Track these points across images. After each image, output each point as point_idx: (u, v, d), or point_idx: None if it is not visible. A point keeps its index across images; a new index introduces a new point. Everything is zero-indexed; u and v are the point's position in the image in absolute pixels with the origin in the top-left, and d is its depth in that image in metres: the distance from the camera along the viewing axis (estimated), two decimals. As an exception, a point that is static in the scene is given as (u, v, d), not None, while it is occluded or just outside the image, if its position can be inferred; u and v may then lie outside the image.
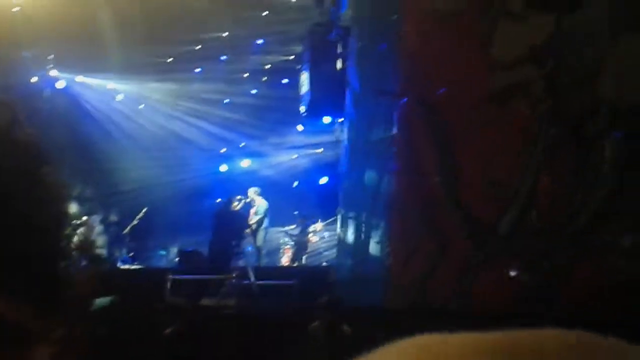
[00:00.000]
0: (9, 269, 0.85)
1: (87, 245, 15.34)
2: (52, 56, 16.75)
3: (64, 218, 0.98)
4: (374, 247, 9.55)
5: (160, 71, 17.86)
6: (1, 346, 0.75)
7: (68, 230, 1.01)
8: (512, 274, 7.09)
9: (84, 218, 16.11)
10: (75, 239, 15.83)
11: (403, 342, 0.50)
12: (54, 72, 17.19)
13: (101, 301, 9.52)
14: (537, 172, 7.01)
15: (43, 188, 0.94)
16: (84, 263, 15.58)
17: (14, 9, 14.83)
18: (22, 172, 0.92)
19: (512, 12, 7.53)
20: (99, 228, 16.18)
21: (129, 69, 17.56)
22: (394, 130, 8.57)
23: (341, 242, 11.04)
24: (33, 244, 0.89)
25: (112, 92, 18.73)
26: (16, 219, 0.88)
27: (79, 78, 17.85)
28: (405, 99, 8.39)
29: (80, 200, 19.16)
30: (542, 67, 7.11)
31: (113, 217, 18.69)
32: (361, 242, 10.01)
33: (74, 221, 17.55)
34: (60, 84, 17.38)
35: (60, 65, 17.09)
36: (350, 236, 10.53)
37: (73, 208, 18.80)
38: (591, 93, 6.95)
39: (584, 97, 6.99)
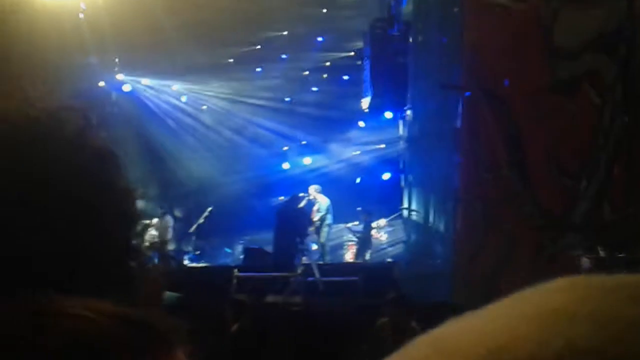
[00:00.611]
0: (85, 271, 0.86)
1: (160, 244, 15.73)
2: (117, 60, 17.18)
3: (135, 219, 0.99)
4: (439, 242, 9.45)
5: (222, 71, 18.10)
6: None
7: (140, 230, 1.02)
8: (585, 267, 6.88)
9: (155, 219, 16.51)
10: (148, 237, 16.23)
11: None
12: (120, 76, 17.64)
13: (169, 298, 9.72)
14: (609, 162, 6.78)
15: (115, 191, 0.95)
16: (155, 261, 15.97)
17: (80, 15, 15.25)
18: (95, 176, 0.93)
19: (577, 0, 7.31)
20: (171, 226, 16.54)
21: (192, 70, 17.86)
22: (458, 124, 8.44)
23: (406, 238, 10.96)
24: (106, 245, 0.90)
25: (176, 94, 19.09)
26: (89, 221, 0.90)
27: (145, 81, 18.27)
28: (469, 92, 8.25)
29: (149, 199, 19.65)
30: (612, 54, 6.86)
31: (179, 215, 19.07)
32: (426, 237, 9.91)
33: (145, 220, 17.97)
34: (126, 87, 17.83)
35: (125, 69, 17.52)
36: (414, 231, 10.45)
37: (143, 207, 19.23)
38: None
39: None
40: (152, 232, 16.31)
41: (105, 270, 0.88)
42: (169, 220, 16.61)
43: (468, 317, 0.47)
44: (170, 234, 16.35)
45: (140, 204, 1.09)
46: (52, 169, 0.89)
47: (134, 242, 0.96)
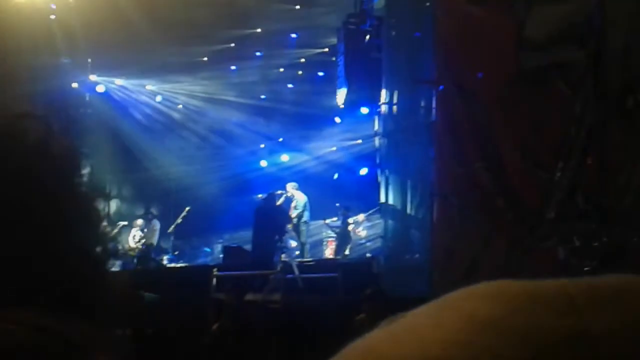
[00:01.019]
0: (44, 277, 0.85)
1: (145, 247, 15.78)
2: (89, 61, 17.02)
3: (97, 223, 0.99)
4: (417, 236, 9.49)
5: (197, 70, 18.02)
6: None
7: (103, 234, 1.01)
8: (561, 257, 6.94)
9: (139, 220, 16.51)
10: (133, 239, 16.29)
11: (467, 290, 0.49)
12: (93, 77, 17.49)
13: (148, 298, 9.67)
14: (582, 152, 6.84)
15: (75, 198, 0.94)
16: (135, 262, 15.95)
17: (51, 16, 15.09)
18: (57, 183, 0.92)
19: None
20: (158, 229, 16.55)
21: (166, 69, 17.76)
22: (432, 118, 8.48)
23: (384, 233, 10.99)
24: (70, 250, 0.89)
25: (151, 94, 18.98)
26: (51, 227, 0.89)
27: (118, 81, 18.13)
28: (442, 86, 8.29)
29: (126, 200, 19.54)
30: (582, 45, 6.93)
31: (155, 213, 18.97)
32: (404, 232, 9.95)
33: (119, 223, 17.89)
34: (100, 88, 17.68)
35: (98, 69, 17.37)
36: (392, 226, 10.48)
37: (117, 209, 19.21)
38: (633, 68, 6.75)
39: (626, 73, 6.80)
40: (137, 233, 16.34)
41: (66, 273, 0.87)
42: (156, 224, 16.65)
43: (399, 324, 0.47)
44: (156, 238, 16.40)
45: (106, 207, 1.08)
46: (9, 180, 0.88)
47: (97, 246, 0.96)
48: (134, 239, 16.33)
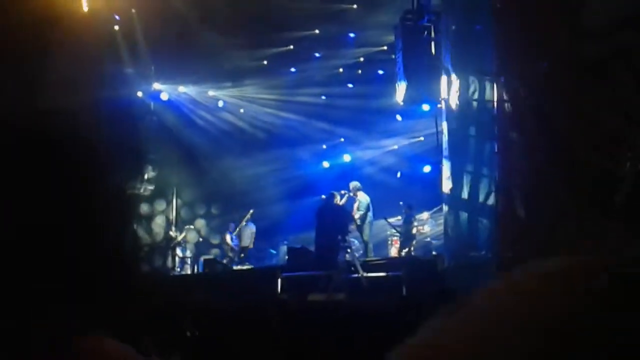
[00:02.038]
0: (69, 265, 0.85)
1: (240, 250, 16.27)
2: (152, 69, 17.41)
3: (127, 216, 0.98)
4: (482, 232, 9.31)
5: (256, 74, 18.20)
6: None
7: (136, 228, 1.00)
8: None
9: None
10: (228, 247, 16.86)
11: None
12: (156, 85, 17.88)
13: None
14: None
15: (104, 192, 0.94)
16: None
17: (115, 27, 15.50)
18: (81, 176, 0.92)
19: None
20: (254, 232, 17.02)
21: (226, 75, 18.01)
22: (495, 111, 8.31)
23: (449, 230, 10.83)
24: (91, 245, 0.88)
25: (213, 99, 19.26)
26: (74, 220, 0.88)
27: (181, 88, 18.48)
28: (504, 79, 8.11)
29: (192, 204, 19.93)
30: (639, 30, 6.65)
31: (215, 212, 19.41)
32: (469, 229, 9.79)
33: (187, 227, 18.28)
34: (164, 96, 18.07)
35: (161, 77, 17.75)
36: (457, 223, 10.32)
37: (182, 212, 19.62)
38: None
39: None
40: (228, 241, 16.94)
41: (92, 264, 0.87)
42: (252, 227, 17.05)
43: None
44: (252, 241, 16.86)
45: (134, 204, 1.08)
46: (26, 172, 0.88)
47: (127, 239, 0.95)
48: (232, 241, 16.98)
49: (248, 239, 17.14)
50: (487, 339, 0.51)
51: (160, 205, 19.20)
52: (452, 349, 0.48)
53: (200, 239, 18.94)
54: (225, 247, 17.46)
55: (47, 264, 0.83)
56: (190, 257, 17.66)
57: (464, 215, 10.07)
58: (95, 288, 0.85)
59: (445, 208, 10.99)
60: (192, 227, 18.82)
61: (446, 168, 10.85)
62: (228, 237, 17.44)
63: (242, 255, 17.02)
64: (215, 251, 19.44)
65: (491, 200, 8.70)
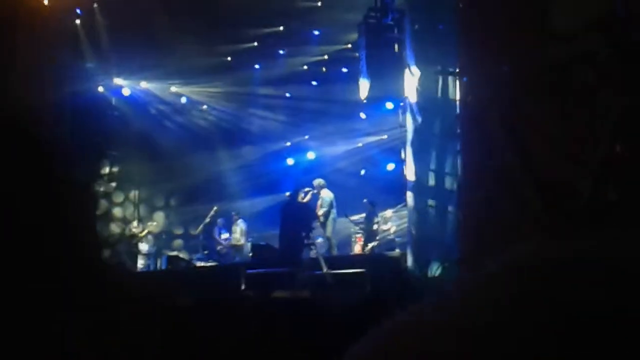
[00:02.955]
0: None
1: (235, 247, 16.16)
2: (114, 66, 17.20)
3: (91, 215, 0.99)
4: (445, 230, 9.43)
5: (220, 70, 18.09)
6: None
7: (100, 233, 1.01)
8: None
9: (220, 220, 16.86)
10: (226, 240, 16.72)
11: None
12: (118, 80, 17.65)
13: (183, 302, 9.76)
14: (609, 143, 6.75)
15: (67, 190, 0.94)
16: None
17: (76, 21, 15.26)
18: (43, 173, 0.93)
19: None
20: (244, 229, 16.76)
21: (190, 70, 17.87)
22: (457, 110, 8.41)
23: (412, 227, 10.93)
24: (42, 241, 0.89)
25: (175, 95, 19.10)
26: (30, 213, 0.89)
27: (143, 84, 18.28)
28: (466, 78, 8.20)
29: (149, 199, 19.76)
30: (608, 35, 6.82)
31: (192, 231, 19.30)
32: (432, 226, 9.89)
33: (148, 222, 18.12)
34: (125, 91, 17.85)
35: (123, 72, 17.53)
36: (421, 220, 10.42)
37: (159, 218, 19.45)
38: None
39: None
40: (216, 236, 16.84)
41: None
42: (243, 224, 16.92)
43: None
44: (245, 238, 16.71)
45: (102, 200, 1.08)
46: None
47: (91, 236, 0.96)
48: (218, 236, 16.89)
49: (240, 236, 17.02)
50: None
51: (120, 198, 19.00)
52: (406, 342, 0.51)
53: (161, 231, 18.77)
54: (215, 244, 17.35)
55: (11, 262, 0.83)
56: (152, 253, 17.52)
57: (427, 213, 10.17)
58: (63, 285, 0.86)
59: (409, 205, 11.08)
60: (154, 223, 18.67)
61: (410, 166, 10.96)
62: (216, 234, 17.38)
63: (236, 251, 16.94)
64: (178, 242, 19.36)
65: (454, 199, 8.81)
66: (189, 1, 15.17)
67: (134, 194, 19.32)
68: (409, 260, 10.57)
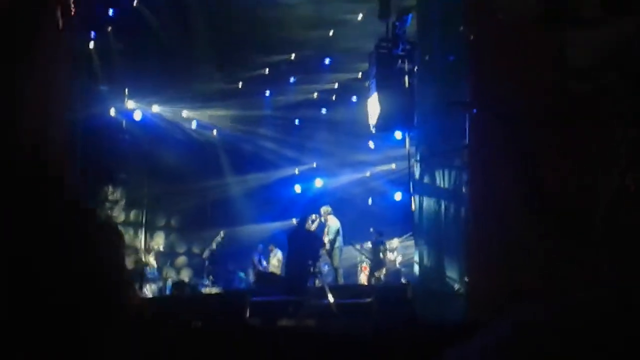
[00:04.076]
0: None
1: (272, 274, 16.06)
2: (127, 89, 17.34)
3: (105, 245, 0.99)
4: (452, 262, 9.37)
5: (231, 96, 18.21)
6: None
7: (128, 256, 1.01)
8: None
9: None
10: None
11: None
12: (130, 104, 17.76)
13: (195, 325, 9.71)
14: (623, 172, 6.72)
15: (78, 221, 0.95)
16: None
17: (90, 46, 15.41)
18: (54, 206, 0.94)
19: (586, 18, 7.29)
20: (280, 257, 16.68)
21: (201, 96, 17.99)
22: (467, 141, 8.40)
23: (419, 258, 10.87)
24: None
25: (186, 120, 19.20)
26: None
27: (155, 108, 18.39)
28: (476, 110, 8.22)
29: (166, 229, 19.76)
30: (622, 71, 6.83)
31: (196, 249, 19.29)
32: (439, 257, 9.84)
33: (156, 246, 18.11)
34: (137, 115, 17.95)
35: (135, 96, 17.65)
36: (427, 251, 10.37)
37: (159, 238, 19.44)
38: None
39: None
40: (256, 262, 16.78)
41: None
42: (278, 253, 16.80)
43: None
44: (280, 266, 16.57)
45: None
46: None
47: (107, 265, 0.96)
48: (259, 263, 16.80)
49: (278, 264, 16.95)
50: None
51: (124, 219, 18.96)
52: None
53: (161, 249, 18.70)
54: (253, 269, 17.30)
55: (25, 295, 0.84)
56: (157, 278, 17.47)
57: (433, 244, 10.12)
58: (77, 317, 0.86)
59: (415, 236, 11.04)
60: (159, 247, 18.64)
61: (416, 197, 10.94)
62: (256, 259, 17.36)
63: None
64: (181, 259, 19.34)
65: (461, 230, 8.76)
66: (202, 28, 15.31)
67: (140, 216, 19.32)
68: (415, 291, 10.49)
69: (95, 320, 0.89)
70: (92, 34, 15.32)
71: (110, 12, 14.85)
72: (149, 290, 16.47)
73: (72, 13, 12.79)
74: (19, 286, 0.89)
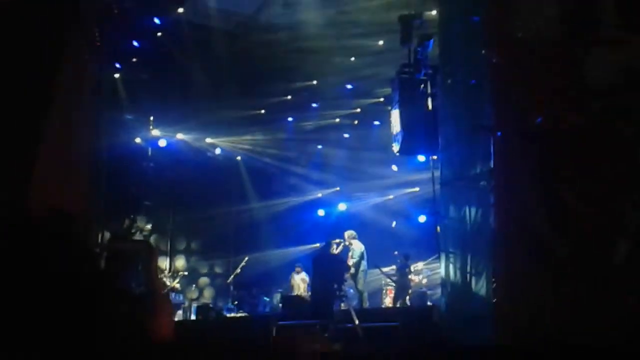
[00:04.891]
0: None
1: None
2: (152, 118, 17.61)
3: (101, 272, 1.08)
4: (478, 284, 9.34)
5: (254, 122, 18.40)
6: None
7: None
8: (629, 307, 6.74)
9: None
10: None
11: None
12: (155, 132, 18.02)
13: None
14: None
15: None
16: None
17: (116, 75, 15.72)
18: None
19: (606, 37, 7.33)
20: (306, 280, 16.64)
21: (225, 122, 18.20)
22: (491, 165, 8.43)
23: (444, 281, 10.85)
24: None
25: (210, 146, 19.40)
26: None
27: (179, 135, 18.62)
28: (500, 133, 8.25)
29: (187, 252, 19.88)
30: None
31: (218, 269, 19.39)
32: (465, 280, 9.81)
33: (181, 272, 18.22)
34: (162, 143, 18.19)
35: (160, 124, 17.90)
36: (453, 274, 10.35)
37: (180, 261, 19.58)
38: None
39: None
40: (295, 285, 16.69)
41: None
42: (304, 275, 16.68)
43: None
44: (304, 288, 16.40)
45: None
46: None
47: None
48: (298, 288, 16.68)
49: (301, 287, 16.76)
50: None
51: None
52: None
53: (186, 272, 18.76)
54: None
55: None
56: (181, 303, 17.56)
57: (459, 267, 10.10)
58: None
59: (441, 259, 11.02)
60: (185, 272, 18.74)
61: (441, 220, 10.93)
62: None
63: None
64: (204, 280, 19.42)
65: (487, 254, 8.75)
66: (225, 56, 15.54)
67: (166, 243, 19.48)
68: (441, 315, 10.45)
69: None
70: (118, 65, 15.62)
71: (135, 43, 15.14)
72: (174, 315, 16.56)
73: (97, 45, 13.11)
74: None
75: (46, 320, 1.03)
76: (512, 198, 8.05)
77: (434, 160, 11.64)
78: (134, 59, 15.58)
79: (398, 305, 14.77)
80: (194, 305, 17.52)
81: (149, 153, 18.08)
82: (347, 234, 14.88)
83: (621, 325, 6.87)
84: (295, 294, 16.33)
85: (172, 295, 16.89)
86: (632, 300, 6.89)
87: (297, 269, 17.00)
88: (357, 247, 14.75)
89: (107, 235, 14.00)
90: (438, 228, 11.15)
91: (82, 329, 1.05)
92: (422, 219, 17.26)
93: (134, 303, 1.14)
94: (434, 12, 12.01)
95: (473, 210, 9.37)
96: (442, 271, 10.99)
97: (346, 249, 14.55)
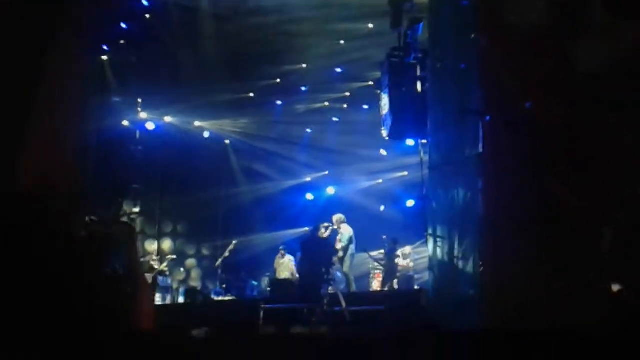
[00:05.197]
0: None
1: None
2: (139, 100, 17.48)
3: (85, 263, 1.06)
4: (466, 269, 9.37)
5: (243, 106, 18.31)
6: None
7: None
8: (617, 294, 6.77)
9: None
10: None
11: None
12: (143, 115, 17.90)
13: (197, 333, 9.76)
14: (636, 185, 6.71)
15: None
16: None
17: (104, 58, 15.57)
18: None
19: (595, 24, 7.32)
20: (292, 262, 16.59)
21: (213, 106, 18.10)
22: (480, 149, 8.42)
23: (432, 265, 10.88)
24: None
25: (199, 130, 19.30)
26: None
27: (167, 118, 18.51)
28: (489, 117, 8.25)
29: (174, 235, 19.85)
30: (631, 77, 6.84)
31: (205, 251, 19.37)
32: (452, 264, 9.84)
33: (169, 256, 18.20)
34: (150, 126, 18.07)
35: (148, 107, 17.78)
36: (440, 258, 10.37)
37: (167, 244, 19.55)
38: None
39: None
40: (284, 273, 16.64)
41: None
42: (290, 258, 16.63)
43: None
44: (292, 272, 16.32)
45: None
46: None
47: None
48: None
49: (287, 271, 16.69)
50: None
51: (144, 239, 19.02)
52: None
53: (174, 257, 18.71)
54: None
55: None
56: (169, 286, 17.53)
57: (447, 251, 10.13)
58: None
59: (429, 243, 11.04)
60: (173, 256, 18.69)
61: (429, 204, 10.94)
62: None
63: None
64: (191, 262, 19.44)
65: (474, 238, 8.76)
66: (214, 39, 15.42)
67: (154, 226, 19.43)
68: (428, 298, 10.49)
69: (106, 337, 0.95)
70: (106, 47, 15.46)
71: (123, 25, 14.97)
72: (160, 298, 16.55)
73: (85, 28, 12.95)
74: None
75: (26, 297, 1.00)
76: (500, 183, 8.06)
77: (423, 144, 11.63)
78: (122, 41, 15.43)
79: (386, 289, 14.82)
80: (182, 288, 17.53)
81: (137, 136, 17.97)
82: (336, 217, 14.89)
83: (612, 316, 6.89)
84: (281, 277, 16.33)
85: (160, 278, 16.86)
86: (625, 292, 6.93)
87: (282, 251, 17.00)
88: (346, 231, 14.77)
89: (94, 218, 13.93)
90: (426, 213, 11.17)
91: (63, 308, 1.02)
92: (410, 203, 17.29)
93: (115, 283, 1.12)
94: (424, -4, 11.96)
95: (461, 195, 9.38)
96: (430, 255, 11.03)
97: (335, 233, 14.56)
